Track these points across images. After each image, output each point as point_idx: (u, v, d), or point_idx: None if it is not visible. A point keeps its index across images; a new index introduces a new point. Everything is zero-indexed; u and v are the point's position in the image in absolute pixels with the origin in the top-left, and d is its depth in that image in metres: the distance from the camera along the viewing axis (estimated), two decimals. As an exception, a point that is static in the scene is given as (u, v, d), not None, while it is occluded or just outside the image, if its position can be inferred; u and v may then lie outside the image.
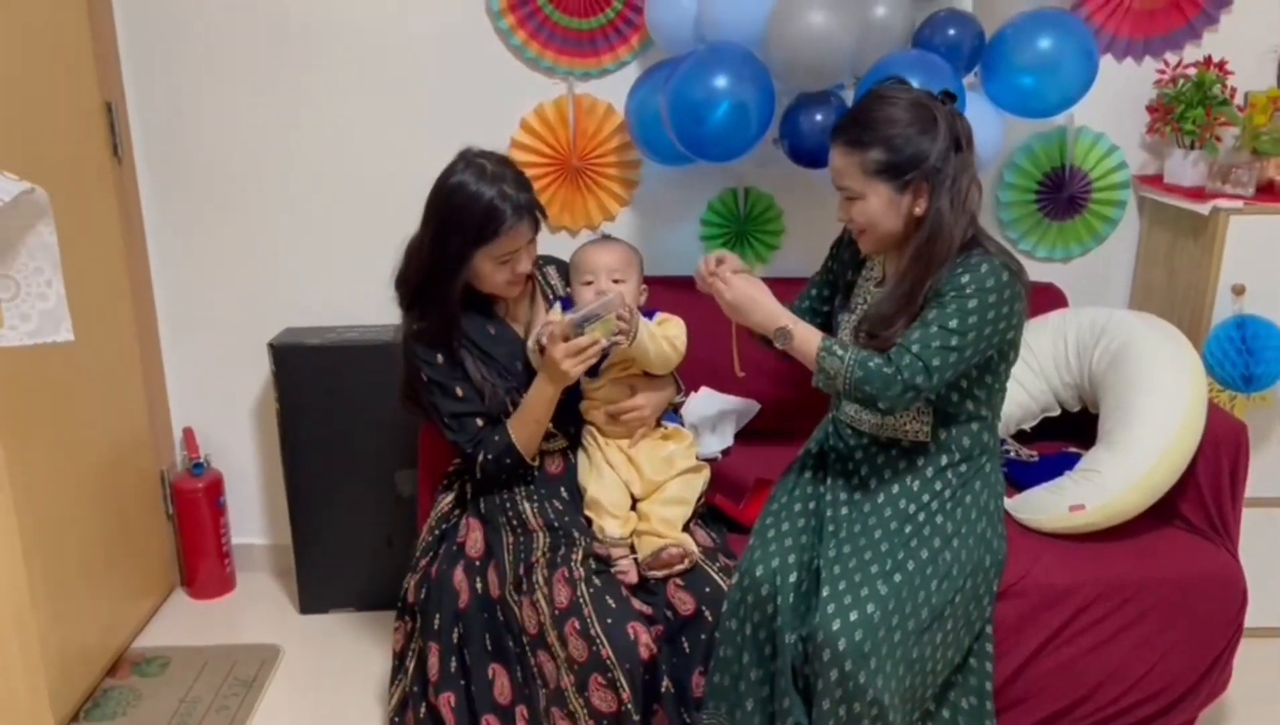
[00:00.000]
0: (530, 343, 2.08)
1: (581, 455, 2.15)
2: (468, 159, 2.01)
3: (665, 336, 2.08)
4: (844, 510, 1.99)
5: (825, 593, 1.82)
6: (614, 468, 2.09)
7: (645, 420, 2.11)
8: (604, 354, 2.02)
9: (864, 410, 2.01)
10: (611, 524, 2.03)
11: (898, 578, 1.83)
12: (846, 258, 2.09)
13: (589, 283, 2.08)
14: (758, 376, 2.44)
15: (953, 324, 1.78)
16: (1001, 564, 1.99)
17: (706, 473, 2.17)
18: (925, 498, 1.95)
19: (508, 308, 2.16)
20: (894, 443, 2.00)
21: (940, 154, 1.80)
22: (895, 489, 1.97)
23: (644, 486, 2.08)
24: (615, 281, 2.07)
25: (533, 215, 2.01)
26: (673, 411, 2.21)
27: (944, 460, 1.97)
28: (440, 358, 2.06)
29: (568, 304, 2.12)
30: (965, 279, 1.80)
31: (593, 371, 2.06)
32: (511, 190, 1.97)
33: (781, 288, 2.02)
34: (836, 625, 1.76)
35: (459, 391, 2.06)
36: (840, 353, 1.81)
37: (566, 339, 1.95)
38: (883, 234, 1.88)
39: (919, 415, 1.96)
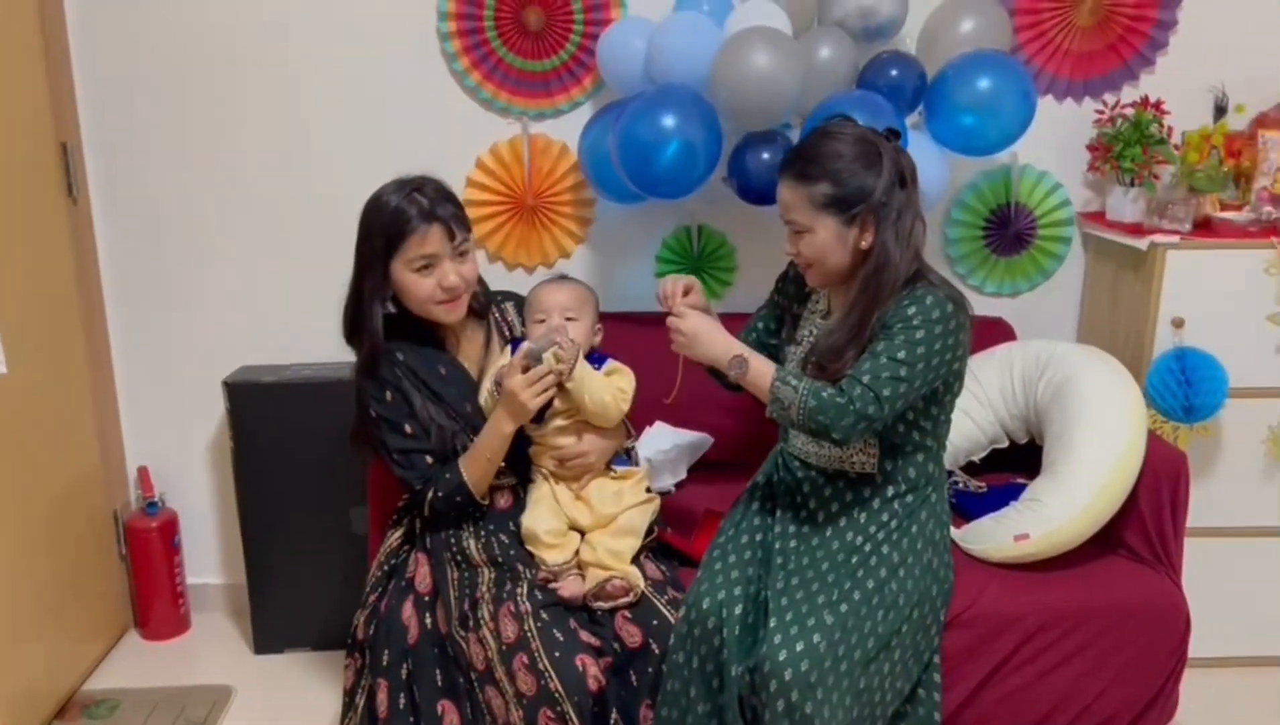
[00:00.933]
0: (487, 384, 2.09)
1: (530, 489, 2.16)
2: (394, 180, 2.06)
3: (615, 386, 2.08)
4: (792, 542, 2.01)
5: (772, 624, 1.83)
6: (561, 504, 2.10)
7: (591, 467, 2.11)
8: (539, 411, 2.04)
9: (811, 442, 2.04)
10: (551, 554, 2.04)
11: (844, 608, 1.85)
12: (792, 291, 2.13)
13: (541, 321, 2.10)
14: (710, 410, 2.48)
15: (901, 355, 1.81)
16: (948, 594, 2.02)
17: (656, 503, 2.18)
18: (872, 529, 1.97)
19: (459, 346, 2.18)
20: (841, 475, 2.02)
21: (885, 188, 1.85)
22: (843, 521, 1.99)
23: (594, 519, 2.09)
24: (569, 319, 2.09)
25: (446, 223, 2.01)
26: (623, 455, 2.22)
27: (890, 492, 1.99)
28: (389, 394, 2.06)
29: (520, 345, 2.14)
30: (912, 311, 1.84)
31: (538, 417, 2.07)
32: (423, 198, 2.00)
33: (736, 323, 2.06)
34: (783, 656, 1.77)
35: (407, 428, 2.06)
36: (794, 383, 1.84)
37: (525, 371, 1.97)
38: (830, 267, 1.92)
39: (866, 447, 1.99)
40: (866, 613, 1.86)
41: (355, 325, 2.07)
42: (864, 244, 1.88)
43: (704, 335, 1.91)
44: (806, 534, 2.01)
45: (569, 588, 1.99)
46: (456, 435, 2.07)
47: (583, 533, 2.09)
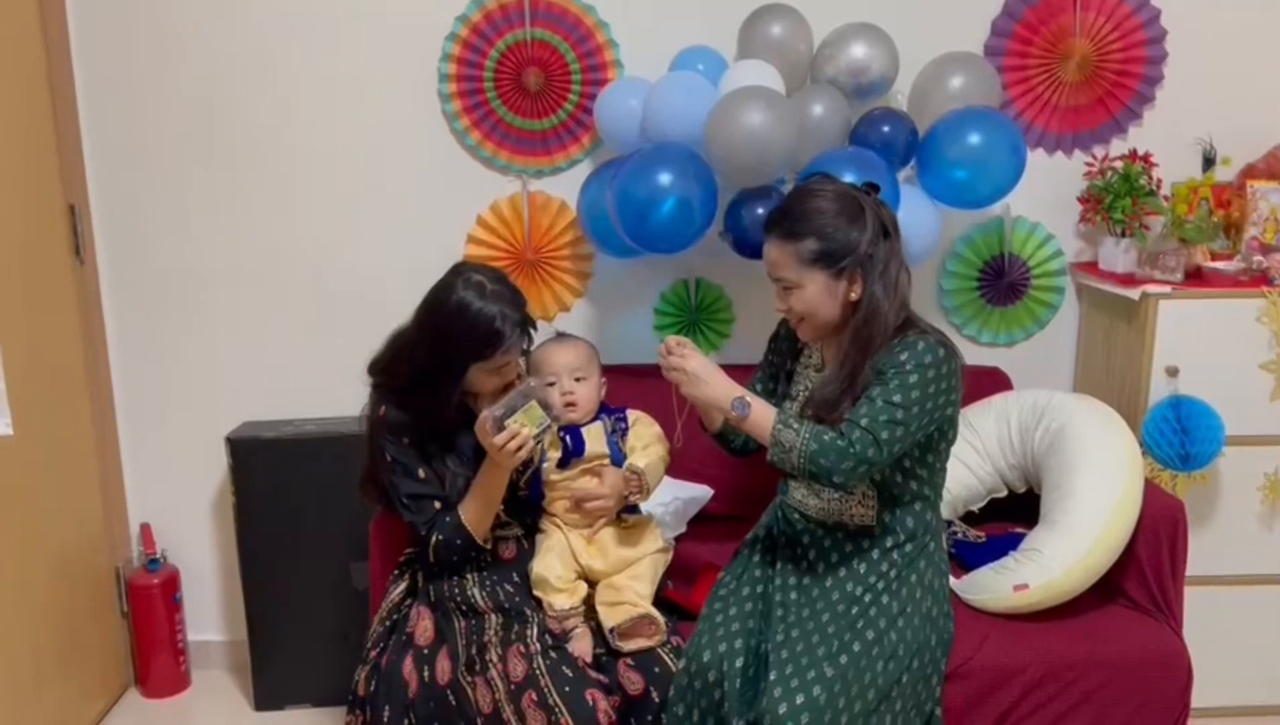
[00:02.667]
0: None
1: (539, 539, 2.17)
2: (465, 276, 2.04)
3: (657, 455, 2.16)
4: (792, 595, 2.01)
5: (773, 677, 1.83)
6: (575, 552, 2.11)
7: (608, 510, 2.14)
8: (565, 456, 2.07)
9: (811, 495, 2.05)
10: (559, 598, 2.05)
11: (844, 660, 1.85)
12: (784, 348, 2.16)
13: (552, 384, 2.13)
14: (709, 463, 2.49)
15: (896, 398, 1.84)
16: (948, 643, 2.02)
17: (670, 554, 2.20)
18: (872, 579, 1.98)
19: (477, 397, 2.20)
20: (840, 526, 2.03)
21: (870, 240, 1.88)
22: (842, 573, 2.00)
23: (609, 565, 2.11)
24: (578, 379, 2.13)
25: (526, 330, 2.07)
26: (632, 506, 2.23)
27: (889, 542, 2.00)
28: (406, 440, 2.09)
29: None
30: (904, 357, 1.86)
31: (564, 463, 2.12)
32: (511, 310, 2.02)
33: (734, 374, 2.06)
34: (783, 709, 1.77)
35: (420, 473, 2.08)
36: (795, 426, 1.86)
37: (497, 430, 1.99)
38: (821, 322, 1.95)
39: (864, 499, 2.00)
40: (866, 664, 1.86)
41: (406, 397, 2.07)
42: (853, 295, 1.91)
43: (707, 375, 1.92)
44: (806, 586, 2.02)
45: (579, 646, 2.00)
46: (470, 482, 2.09)
47: (594, 583, 2.11)
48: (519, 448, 1.99)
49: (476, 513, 2.07)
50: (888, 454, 1.84)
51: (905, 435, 1.85)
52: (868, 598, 1.96)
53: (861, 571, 1.99)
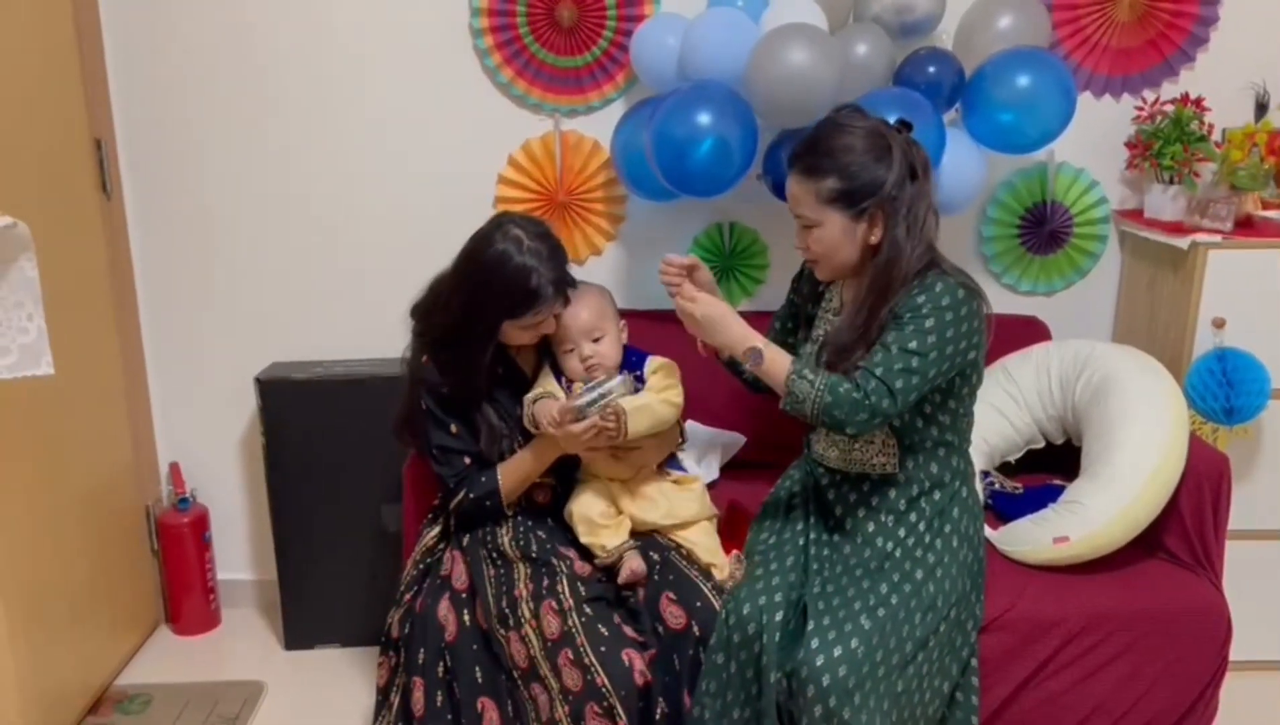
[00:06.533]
0: (525, 415, 2.08)
1: (578, 485, 2.15)
2: (504, 229, 1.98)
3: (661, 396, 2.05)
4: (825, 549, 2.00)
5: (810, 628, 1.81)
6: (615, 498, 2.09)
7: (646, 459, 2.12)
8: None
9: (831, 447, 2.03)
10: (607, 535, 2.03)
11: (881, 612, 1.83)
12: (806, 291, 2.11)
13: (570, 351, 2.08)
14: (741, 409, 2.47)
15: (912, 345, 1.79)
16: (983, 587, 2.00)
17: (716, 520, 2.18)
18: (901, 532, 1.95)
19: (518, 349, 2.16)
20: (864, 477, 2.00)
21: (895, 182, 1.82)
22: (871, 527, 1.97)
23: (660, 514, 2.08)
24: (595, 341, 2.07)
25: (565, 293, 2.02)
26: (674, 460, 2.21)
27: (915, 490, 1.97)
28: (444, 391, 2.06)
29: (559, 372, 2.13)
30: (921, 299, 1.81)
31: None
32: (550, 269, 1.97)
33: (766, 322, 2.03)
34: (820, 661, 1.76)
35: (453, 428, 2.06)
36: (810, 377, 1.82)
37: (575, 419, 1.96)
38: (838, 263, 1.90)
39: (884, 448, 1.97)
40: (904, 616, 1.84)
41: (443, 352, 2.05)
42: (873, 239, 1.86)
43: (718, 322, 1.88)
44: (838, 541, 2.00)
45: (631, 564, 1.98)
46: (504, 438, 2.08)
47: (642, 535, 2.09)
48: (585, 445, 1.99)
49: (515, 482, 2.07)
50: (902, 404, 1.80)
51: (922, 383, 1.81)
52: (898, 552, 1.93)
53: (890, 524, 1.96)
